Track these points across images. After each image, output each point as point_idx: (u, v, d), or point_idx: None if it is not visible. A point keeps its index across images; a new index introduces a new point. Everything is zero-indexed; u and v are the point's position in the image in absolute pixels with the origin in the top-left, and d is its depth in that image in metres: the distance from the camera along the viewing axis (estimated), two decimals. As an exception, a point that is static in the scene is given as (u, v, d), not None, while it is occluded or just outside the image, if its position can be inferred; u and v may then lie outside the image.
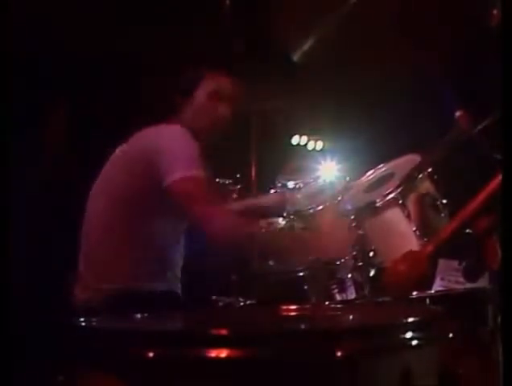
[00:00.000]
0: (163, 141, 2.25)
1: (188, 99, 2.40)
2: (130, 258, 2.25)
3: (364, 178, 2.32)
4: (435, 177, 2.08)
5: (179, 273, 2.35)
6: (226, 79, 2.45)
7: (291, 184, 2.83)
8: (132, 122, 2.39)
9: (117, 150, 2.43)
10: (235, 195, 2.94)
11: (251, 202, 2.78)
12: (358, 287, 2.08)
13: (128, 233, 2.26)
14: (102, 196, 2.35)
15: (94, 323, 1.34)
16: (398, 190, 2.05)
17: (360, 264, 2.09)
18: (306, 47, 2.39)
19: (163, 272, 2.29)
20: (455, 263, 2.01)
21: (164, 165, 2.17)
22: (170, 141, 2.24)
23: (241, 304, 2.19)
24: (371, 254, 2.06)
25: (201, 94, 2.41)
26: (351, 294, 2.09)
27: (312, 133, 4.91)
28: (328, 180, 2.79)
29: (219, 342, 1.06)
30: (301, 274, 2.09)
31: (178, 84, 2.44)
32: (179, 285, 2.34)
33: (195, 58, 2.65)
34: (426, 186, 2.07)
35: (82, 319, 1.32)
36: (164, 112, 2.38)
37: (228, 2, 3.25)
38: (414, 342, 1.13)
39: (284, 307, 1.60)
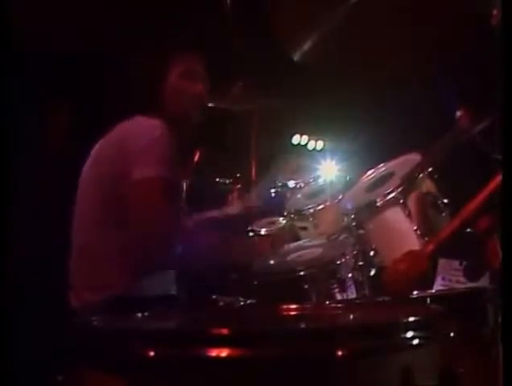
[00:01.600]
0: (139, 135, 2.21)
1: (162, 84, 2.40)
2: (122, 264, 2.21)
3: (364, 178, 2.32)
4: (436, 176, 2.08)
5: (173, 274, 2.33)
6: (194, 58, 2.46)
7: (291, 184, 2.83)
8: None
9: (100, 142, 2.40)
10: (235, 195, 2.94)
11: (212, 214, 2.75)
12: (359, 286, 2.08)
13: (115, 237, 2.20)
14: (86, 199, 2.32)
15: (94, 323, 1.34)
16: (399, 189, 2.04)
17: (360, 263, 2.09)
18: (306, 46, 2.38)
19: (157, 276, 2.26)
20: (456, 262, 2.00)
21: (130, 163, 2.16)
22: (138, 137, 2.20)
23: (242, 303, 2.18)
24: (372, 253, 2.06)
25: (174, 75, 2.42)
26: (351, 294, 2.08)
27: (313, 133, 4.91)
28: (328, 180, 2.79)
29: (219, 342, 1.06)
30: (301, 274, 2.09)
31: (149, 70, 2.44)
32: (175, 287, 2.32)
33: (163, 43, 2.66)
34: (427, 185, 2.06)
35: (82, 319, 1.32)
36: (144, 102, 2.38)
37: (228, 1, 3.26)
38: (415, 342, 1.13)
39: (284, 307, 1.60)
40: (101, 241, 2.22)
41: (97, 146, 2.40)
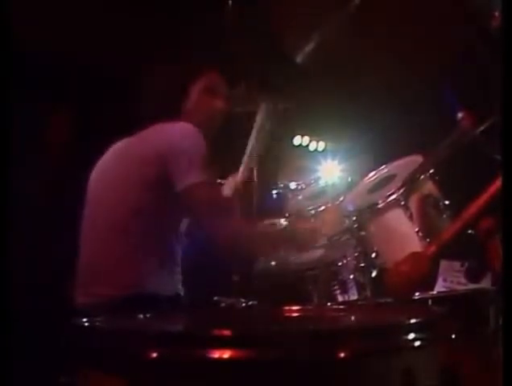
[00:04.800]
0: (178, 141, 2.21)
1: (185, 96, 2.41)
2: (135, 262, 2.20)
3: (366, 180, 2.32)
4: (438, 178, 2.08)
5: (180, 275, 2.33)
6: (217, 74, 2.48)
7: (292, 185, 2.83)
8: (133, 122, 2.38)
9: (122, 144, 2.39)
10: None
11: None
12: (360, 288, 2.08)
13: (133, 236, 2.19)
14: (104, 197, 2.32)
15: (94, 323, 1.33)
16: (401, 191, 2.04)
17: (362, 265, 2.09)
18: (308, 47, 2.38)
19: (167, 275, 2.26)
20: (457, 264, 2.01)
21: (179, 167, 2.15)
22: (184, 141, 2.21)
23: (243, 305, 2.18)
24: (373, 255, 2.06)
25: (196, 90, 2.43)
26: (353, 295, 2.09)
27: (314, 134, 4.91)
28: (329, 181, 2.79)
29: (221, 343, 1.05)
30: (303, 275, 2.09)
31: (174, 81, 2.45)
32: (181, 287, 2.32)
33: (190, 56, 2.68)
34: (428, 187, 2.06)
35: (82, 319, 1.31)
36: (164, 111, 2.38)
37: (229, 1, 3.25)
38: (417, 343, 1.13)
39: (286, 308, 1.60)
40: (121, 241, 2.21)
41: (122, 147, 2.40)
